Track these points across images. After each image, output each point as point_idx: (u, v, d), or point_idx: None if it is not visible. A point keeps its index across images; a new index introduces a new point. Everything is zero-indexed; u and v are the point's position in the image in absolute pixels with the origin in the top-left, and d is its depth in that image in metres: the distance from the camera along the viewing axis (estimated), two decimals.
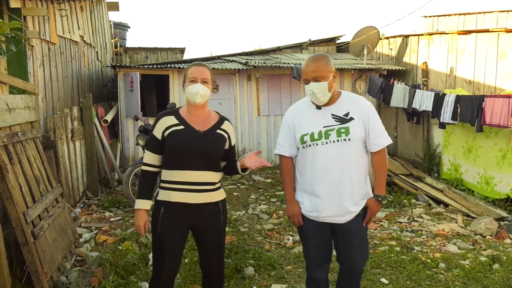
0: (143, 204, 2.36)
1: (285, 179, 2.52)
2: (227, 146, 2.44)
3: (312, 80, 2.27)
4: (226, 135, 2.43)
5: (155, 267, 2.42)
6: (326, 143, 2.29)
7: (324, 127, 2.30)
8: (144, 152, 2.43)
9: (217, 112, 2.51)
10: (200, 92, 2.31)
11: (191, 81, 2.34)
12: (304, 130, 2.35)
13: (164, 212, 2.34)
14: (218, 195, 2.43)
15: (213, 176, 2.39)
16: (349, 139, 2.28)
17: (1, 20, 3.79)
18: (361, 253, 2.41)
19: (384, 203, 2.34)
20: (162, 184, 2.38)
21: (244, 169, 2.42)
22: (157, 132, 2.35)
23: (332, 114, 2.32)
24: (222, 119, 2.47)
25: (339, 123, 2.30)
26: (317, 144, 2.30)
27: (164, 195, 2.35)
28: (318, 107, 2.35)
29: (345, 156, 2.29)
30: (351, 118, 2.30)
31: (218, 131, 2.40)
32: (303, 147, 2.36)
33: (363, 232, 2.41)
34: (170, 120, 2.35)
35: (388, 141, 2.38)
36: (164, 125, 2.34)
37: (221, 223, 2.44)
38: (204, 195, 2.35)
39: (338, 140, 2.28)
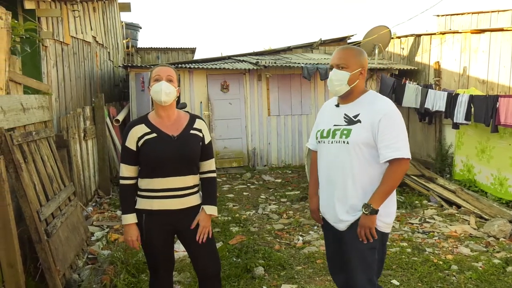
0: (131, 219, 2.29)
1: (310, 173, 2.46)
2: (201, 145, 2.38)
3: (335, 66, 2.17)
4: (200, 134, 2.36)
5: (151, 268, 2.44)
6: (332, 142, 2.20)
7: (334, 125, 2.21)
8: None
9: (187, 112, 2.45)
10: (164, 90, 2.21)
11: (155, 80, 2.25)
12: (320, 126, 2.32)
13: (146, 220, 2.30)
14: (199, 198, 2.40)
15: (193, 180, 2.36)
16: (347, 142, 2.12)
17: (16, 21, 3.85)
18: (360, 269, 2.14)
19: (366, 213, 2.07)
20: (140, 193, 2.32)
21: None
22: (131, 144, 2.27)
23: (344, 114, 2.20)
24: (193, 118, 2.39)
25: (346, 124, 2.17)
26: (324, 142, 2.25)
27: (144, 204, 2.30)
28: (337, 105, 2.26)
29: (343, 159, 2.14)
30: (358, 121, 2.14)
31: (192, 131, 2.33)
32: (317, 143, 2.33)
33: (361, 246, 2.12)
34: (141, 129, 2.27)
35: (398, 154, 2.05)
36: (136, 135, 2.27)
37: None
38: (186, 200, 2.32)
39: (339, 142, 2.16)
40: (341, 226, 2.19)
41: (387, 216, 2.15)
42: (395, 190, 2.20)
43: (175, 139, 2.28)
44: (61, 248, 3.35)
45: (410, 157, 2.10)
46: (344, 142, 2.14)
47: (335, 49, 2.23)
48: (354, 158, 2.12)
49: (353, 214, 2.14)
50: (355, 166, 2.12)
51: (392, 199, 2.19)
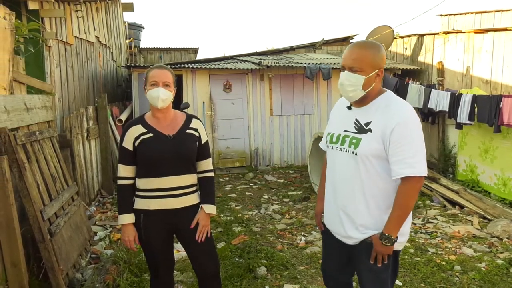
0: (128, 219, 2.31)
1: (322, 174, 2.27)
2: (198, 145, 2.38)
3: (347, 68, 1.89)
4: (197, 134, 2.37)
5: (151, 268, 2.45)
6: (340, 149, 1.98)
7: (345, 131, 1.98)
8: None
9: (184, 112, 2.46)
10: (161, 97, 2.24)
11: (152, 85, 2.27)
12: (330, 128, 2.12)
13: (144, 220, 2.31)
14: (196, 198, 2.40)
15: (190, 179, 2.36)
16: (356, 153, 1.90)
17: (19, 22, 3.87)
18: (374, 286, 1.99)
19: (387, 245, 1.86)
20: (138, 193, 2.34)
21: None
22: (128, 144, 2.30)
23: (355, 119, 1.95)
24: (189, 118, 2.40)
25: (356, 131, 1.93)
26: (333, 148, 2.04)
27: (142, 204, 2.32)
28: (349, 107, 2.02)
29: (352, 172, 1.92)
30: (369, 130, 1.88)
31: (188, 131, 2.35)
32: (326, 147, 2.13)
33: (374, 264, 1.94)
34: (138, 129, 2.30)
35: (412, 172, 1.79)
36: (133, 135, 2.29)
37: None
38: (183, 199, 2.33)
39: (348, 151, 1.94)
40: (349, 242, 2.01)
41: (401, 236, 1.94)
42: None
43: (171, 138, 2.30)
44: (64, 247, 3.36)
45: (427, 174, 1.84)
46: (352, 152, 1.91)
47: (348, 45, 1.97)
48: (364, 171, 1.89)
49: (363, 232, 1.94)
50: (365, 180, 1.90)
51: (408, 218, 1.97)
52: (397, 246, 1.97)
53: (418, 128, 1.86)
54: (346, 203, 1.97)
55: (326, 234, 2.18)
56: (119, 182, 2.35)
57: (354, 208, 1.95)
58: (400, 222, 1.87)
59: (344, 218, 1.99)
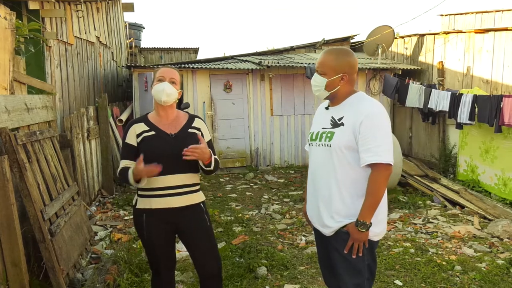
0: (132, 165, 2.25)
1: (308, 175, 2.43)
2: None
3: (315, 71, 2.17)
4: (199, 133, 2.38)
5: (152, 267, 2.47)
6: (318, 145, 2.17)
7: (322, 128, 2.19)
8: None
9: (186, 112, 2.48)
10: (166, 90, 2.26)
11: (158, 80, 2.30)
12: (312, 128, 2.31)
13: (146, 219, 2.32)
14: (199, 197, 2.41)
15: (192, 178, 2.37)
16: (330, 145, 2.09)
17: (20, 22, 3.87)
18: (348, 275, 2.08)
19: (363, 231, 1.99)
20: (140, 192, 2.35)
21: (207, 164, 2.33)
22: (131, 140, 2.32)
23: (331, 116, 2.17)
24: (192, 117, 2.43)
25: (331, 126, 2.14)
26: (312, 145, 2.23)
27: (144, 203, 2.33)
28: (327, 108, 2.24)
29: (327, 163, 2.11)
30: (342, 123, 2.09)
31: (190, 130, 2.36)
32: (308, 146, 2.31)
33: (348, 253, 2.06)
34: (140, 127, 2.33)
35: (378, 159, 1.95)
36: (135, 132, 2.32)
37: (206, 222, 2.41)
38: (184, 198, 2.33)
39: (324, 145, 2.13)
40: (326, 232, 2.14)
41: (374, 226, 2.04)
42: (386, 198, 2.12)
43: (172, 137, 2.31)
44: (65, 247, 3.36)
45: (392, 163, 2.00)
46: (327, 145, 2.10)
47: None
48: (337, 162, 2.07)
49: (338, 220, 2.08)
50: (338, 170, 2.07)
51: (381, 207, 2.08)
52: (373, 237, 2.08)
53: (384, 121, 2.04)
54: (323, 192, 2.13)
55: (316, 232, 2.30)
56: (120, 168, 2.32)
57: (329, 196, 2.11)
58: (373, 208, 2.01)
59: (321, 207, 2.15)
